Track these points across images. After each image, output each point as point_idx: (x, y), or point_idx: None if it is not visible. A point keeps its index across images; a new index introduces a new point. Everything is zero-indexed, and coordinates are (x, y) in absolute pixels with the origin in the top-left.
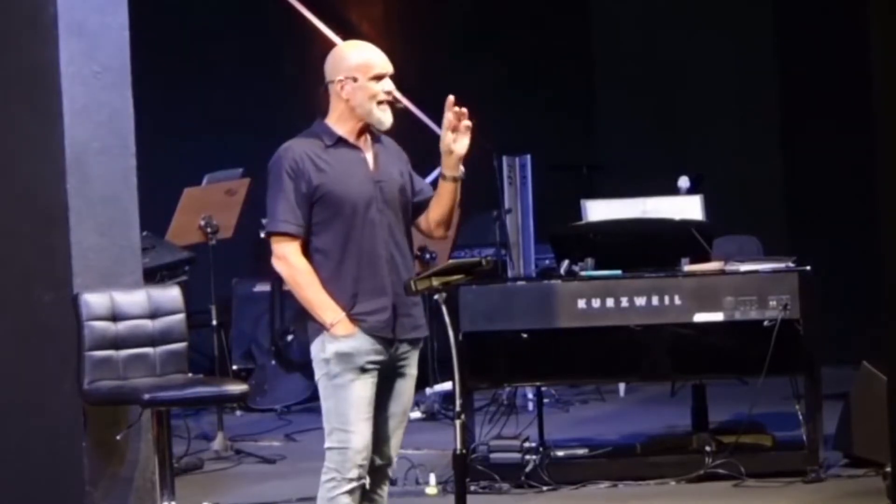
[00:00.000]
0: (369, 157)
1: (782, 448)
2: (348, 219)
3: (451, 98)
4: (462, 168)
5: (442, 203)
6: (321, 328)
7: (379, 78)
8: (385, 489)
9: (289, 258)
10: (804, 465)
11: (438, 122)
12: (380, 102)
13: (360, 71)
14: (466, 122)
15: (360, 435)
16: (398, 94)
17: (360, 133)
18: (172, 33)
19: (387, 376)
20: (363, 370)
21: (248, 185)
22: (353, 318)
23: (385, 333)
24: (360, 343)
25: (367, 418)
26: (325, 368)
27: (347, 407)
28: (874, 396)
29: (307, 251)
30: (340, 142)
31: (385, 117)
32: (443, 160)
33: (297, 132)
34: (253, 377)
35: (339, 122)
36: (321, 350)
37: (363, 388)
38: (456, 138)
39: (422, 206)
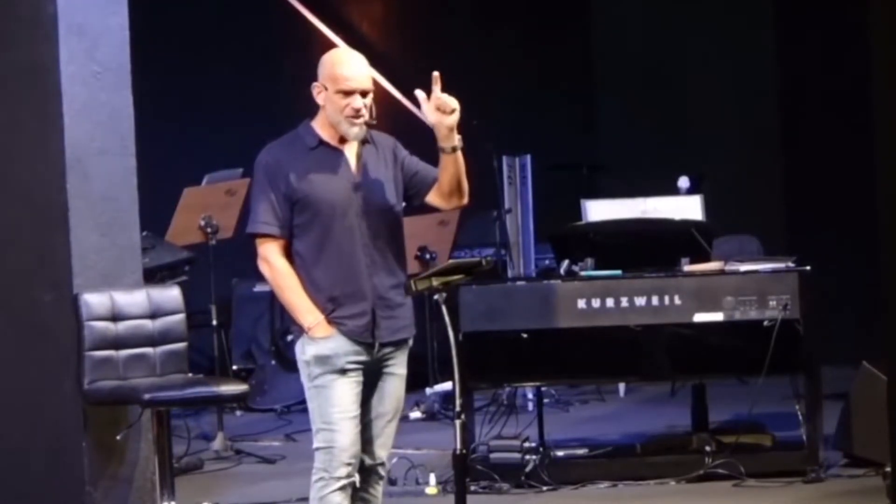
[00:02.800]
0: (352, 160)
1: (782, 448)
2: (326, 223)
3: (435, 74)
4: (458, 137)
5: (448, 174)
6: (301, 330)
7: (346, 93)
8: (379, 488)
9: (270, 259)
10: (804, 465)
11: None
12: (347, 116)
13: (330, 81)
14: (453, 106)
15: (345, 434)
16: (405, 98)
17: (344, 137)
18: (172, 33)
19: (372, 377)
20: (344, 371)
21: (248, 185)
22: (332, 321)
23: (364, 338)
24: (338, 345)
25: (352, 417)
26: (307, 370)
27: (330, 407)
28: (874, 396)
29: (288, 253)
30: (322, 145)
31: (352, 131)
32: (436, 134)
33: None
34: (253, 377)
35: (322, 126)
36: (301, 352)
37: (345, 388)
38: (445, 115)
39: (425, 186)
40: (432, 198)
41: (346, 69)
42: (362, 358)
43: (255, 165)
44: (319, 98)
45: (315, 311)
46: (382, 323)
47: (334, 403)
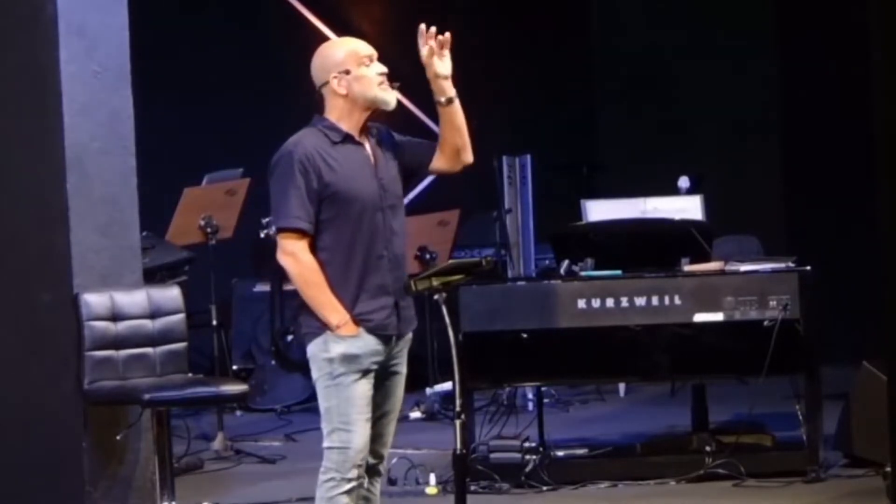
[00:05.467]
0: (371, 154)
1: (782, 448)
2: (355, 218)
3: (422, 27)
4: (453, 88)
5: (452, 127)
6: (323, 327)
7: (369, 61)
8: (377, 485)
9: (298, 255)
10: (804, 465)
11: (437, 121)
12: (380, 84)
13: (349, 62)
14: (442, 39)
15: (361, 435)
16: (407, 102)
17: (363, 129)
18: (172, 33)
19: (381, 376)
20: (367, 372)
21: (248, 185)
22: (357, 320)
23: (390, 331)
24: (366, 344)
25: (368, 418)
26: (328, 368)
27: (350, 407)
28: (874, 396)
29: (312, 249)
30: (347, 139)
31: (390, 97)
32: (433, 87)
33: (296, 132)
34: (253, 377)
35: (342, 119)
36: (323, 350)
37: (364, 389)
38: (440, 62)
39: (426, 156)
40: (438, 164)
41: (354, 44)
42: (382, 358)
43: (280, 158)
44: (341, 88)
45: (342, 310)
46: (402, 314)
47: (354, 403)
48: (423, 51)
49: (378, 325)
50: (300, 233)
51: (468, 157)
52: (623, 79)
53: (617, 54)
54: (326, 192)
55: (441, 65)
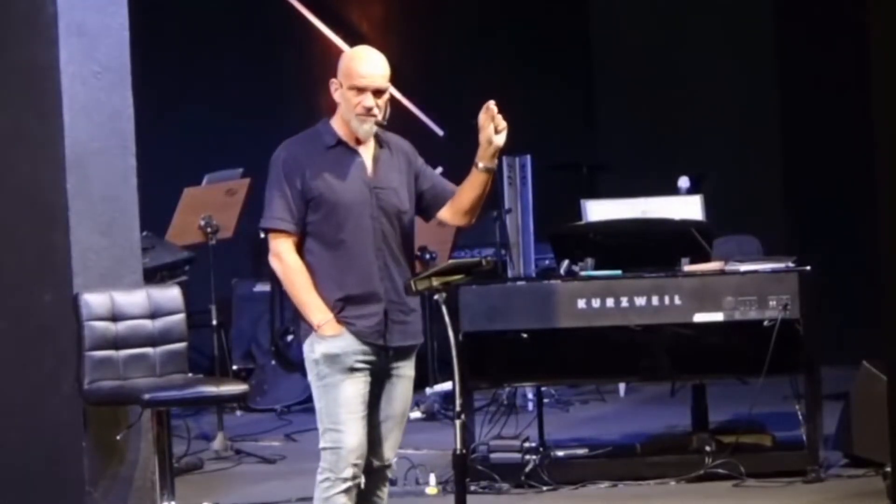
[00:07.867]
0: (368, 161)
1: (782, 448)
2: (340, 223)
3: (493, 105)
4: (496, 161)
5: (474, 192)
6: (311, 328)
7: (358, 90)
8: (385, 491)
9: (283, 255)
10: (804, 465)
11: (438, 122)
12: (358, 114)
13: (344, 77)
14: (503, 125)
15: (353, 434)
16: (407, 102)
17: (358, 136)
18: (172, 33)
19: (381, 379)
20: (353, 370)
21: (248, 185)
22: (342, 320)
23: (374, 340)
24: (347, 343)
25: (360, 417)
26: (315, 369)
27: (337, 407)
28: (874, 396)
29: (300, 251)
30: (340, 144)
31: (362, 128)
32: (481, 151)
33: (297, 132)
34: (253, 377)
35: (340, 124)
36: (310, 351)
37: (353, 388)
38: (497, 136)
39: (440, 201)
40: (444, 213)
41: (362, 66)
42: (371, 358)
43: (271, 160)
44: (336, 95)
45: (325, 310)
46: (395, 327)
47: (342, 403)
48: (487, 123)
49: (360, 332)
50: (283, 233)
51: (472, 220)
52: (623, 78)
53: (617, 54)
54: (310, 195)
55: (498, 138)
